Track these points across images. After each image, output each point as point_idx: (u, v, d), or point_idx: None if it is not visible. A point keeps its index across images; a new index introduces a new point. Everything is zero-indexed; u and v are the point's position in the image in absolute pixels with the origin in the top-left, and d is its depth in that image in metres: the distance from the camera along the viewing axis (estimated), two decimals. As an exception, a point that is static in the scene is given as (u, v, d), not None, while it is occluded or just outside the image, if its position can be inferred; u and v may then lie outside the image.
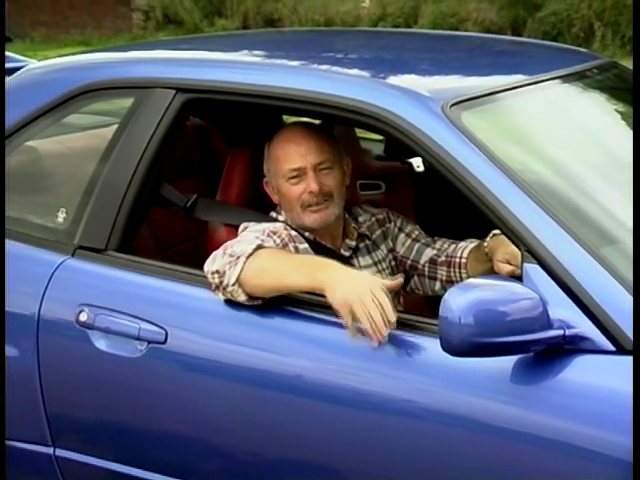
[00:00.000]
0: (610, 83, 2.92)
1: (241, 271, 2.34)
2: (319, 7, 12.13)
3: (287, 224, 2.61)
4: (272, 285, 2.36)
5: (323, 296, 2.28)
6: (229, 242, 2.46)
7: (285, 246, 2.50)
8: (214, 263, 2.40)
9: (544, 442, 2.09)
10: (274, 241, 2.47)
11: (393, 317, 2.19)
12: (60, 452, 2.62)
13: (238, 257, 2.36)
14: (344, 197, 2.67)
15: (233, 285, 2.35)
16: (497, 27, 11.05)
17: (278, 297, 2.38)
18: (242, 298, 2.36)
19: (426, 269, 2.76)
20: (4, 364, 2.60)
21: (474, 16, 11.38)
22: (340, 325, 2.26)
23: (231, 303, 2.41)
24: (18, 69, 3.11)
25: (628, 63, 3.40)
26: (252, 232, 2.51)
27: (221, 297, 2.41)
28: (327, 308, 2.28)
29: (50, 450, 2.63)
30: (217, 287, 2.39)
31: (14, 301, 2.66)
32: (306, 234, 2.62)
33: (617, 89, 2.95)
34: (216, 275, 2.38)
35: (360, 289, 2.21)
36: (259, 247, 2.39)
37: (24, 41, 13.65)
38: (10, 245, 2.71)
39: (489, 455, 2.15)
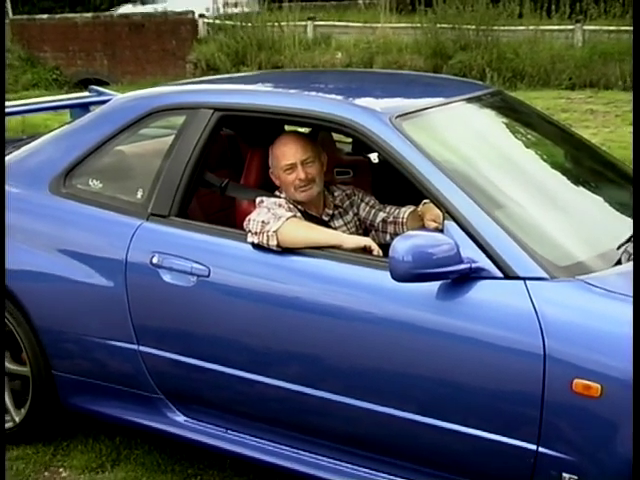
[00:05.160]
0: (498, 104, 2.87)
1: (281, 225, 2.31)
2: (308, 58, 12.14)
3: (287, 200, 2.55)
4: (303, 238, 2.32)
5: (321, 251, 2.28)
6: (267, 206, 2.42)
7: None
8: (259, 215, 2.37)
9: (458, 338, 2.07)
10: (284, 209, 2.43)
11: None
12: (142, 348, 2.57)
13: (280, 217, 2.34)
14: (323, 180, 2.61)
15: (274, 232, 2.30)
16: (424, 70, 11.02)
17: (283, 248, 2.32)
18: (273, 243, 2.31)
19: (380, 226, 2.70)
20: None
21: (409, 63, 11.43)
22: (324, 264, 2.26)
23: (253, 249, 2.36)
24: (109, 100, 3.07)
25: (510, 92, 3.35)
26: (270, 202, 2.45)
27: (255, 240, 2.34)
28: (315, 256, 2.28)
29: (135, 346, 2.58)
30: (256, 232, 2.33)
31: (110, 250, 2.60)
32: (299, 207, 2.56)
33: (502, 108, 2.89)
34: (261, 223, 2.33)
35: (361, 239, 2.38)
36: (294, 216, 2.38)
37: (117, 84, 13.47)
38: (106, 214, 2.64)
39: (423, 348, 2.12)
